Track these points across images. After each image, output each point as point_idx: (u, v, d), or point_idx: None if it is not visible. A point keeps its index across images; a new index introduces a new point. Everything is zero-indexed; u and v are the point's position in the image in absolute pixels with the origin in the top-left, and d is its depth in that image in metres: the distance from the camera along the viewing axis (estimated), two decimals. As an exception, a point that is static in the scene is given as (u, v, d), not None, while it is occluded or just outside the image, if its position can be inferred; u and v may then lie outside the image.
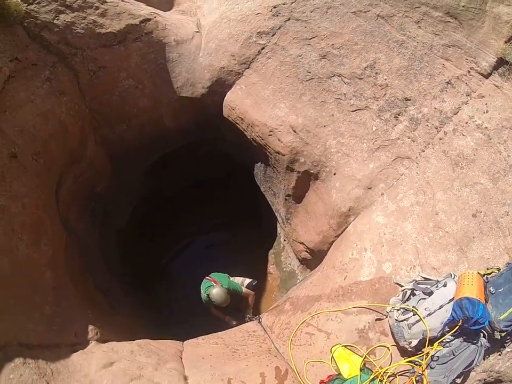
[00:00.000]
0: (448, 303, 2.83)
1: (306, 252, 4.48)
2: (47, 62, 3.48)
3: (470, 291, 2.70)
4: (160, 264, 6.11)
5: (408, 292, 3.02)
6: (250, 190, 5.38)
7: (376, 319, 3.11)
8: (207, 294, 4.04)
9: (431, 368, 2.84)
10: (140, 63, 4.06)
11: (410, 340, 2.90)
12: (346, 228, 3.73)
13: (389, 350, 3.00)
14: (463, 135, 3.24)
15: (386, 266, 3.26)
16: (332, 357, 3.04)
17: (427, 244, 3.18)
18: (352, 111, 3.66)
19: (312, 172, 3.93)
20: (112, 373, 2.67)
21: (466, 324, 2.65)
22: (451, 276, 2.98)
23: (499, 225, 3.01)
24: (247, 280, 4.43)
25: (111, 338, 3.15)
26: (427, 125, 3.44)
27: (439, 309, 2.83)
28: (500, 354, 2.80)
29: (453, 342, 2.81)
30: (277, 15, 3.86)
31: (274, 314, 3.73)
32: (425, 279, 3.07)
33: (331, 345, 3.10)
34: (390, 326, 3.04)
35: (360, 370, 2.95)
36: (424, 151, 3.44)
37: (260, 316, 3.96)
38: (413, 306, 2.92)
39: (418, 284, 3.04)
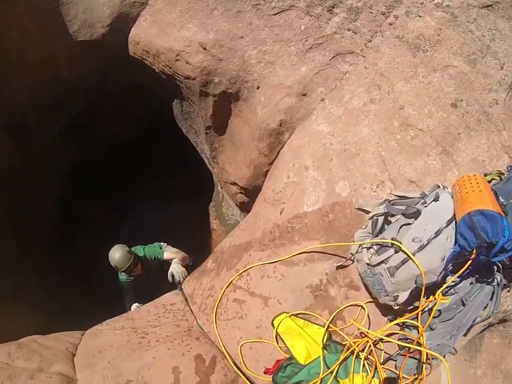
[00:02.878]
0: (447, 225, 1.91)
1: (241, 193, 3.96)
2: None
3: (481, 200, 1.81)
4: (99, 240, 5.27)
5: (380, 219, 2.11)
6: (182, 142, 4.81)
7: (338, 267, 2.21)
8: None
9: (431, 329, 2.00)
10: (27, 10, 3.47)
11: (395, 293, 2.02)
12: (282, 149, 3.04)
13: (365, 310, 2.11)
14: (420, 16, 2.76)
15: (341, 186, 2.41)
16: (277, 333, 2.10)
17: (395, 149, 2.45)
18: (274, 15, 3.17)
19: (230, 91, 3.41)
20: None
21: (483, 255, 1.77)
22: (440, 187, 2.10)
23: (489, 116, 2.48)
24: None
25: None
26: (371, 12, 2.91)
27: (435, 236, 1.92)
28: (508, 291, 2.26)
29: (460, 285, 1.95)
30: None
31: (196, 277, 2.80)
32: (402, 197, 2.17)
33: (272, 316, 2.16)
34: (360, 275, 2.14)
35: (324, 347, 2.03)
36: (371, 41, 2.89)
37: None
38: (392, 238, 2.00)
39: (393, 204, 2.13)
